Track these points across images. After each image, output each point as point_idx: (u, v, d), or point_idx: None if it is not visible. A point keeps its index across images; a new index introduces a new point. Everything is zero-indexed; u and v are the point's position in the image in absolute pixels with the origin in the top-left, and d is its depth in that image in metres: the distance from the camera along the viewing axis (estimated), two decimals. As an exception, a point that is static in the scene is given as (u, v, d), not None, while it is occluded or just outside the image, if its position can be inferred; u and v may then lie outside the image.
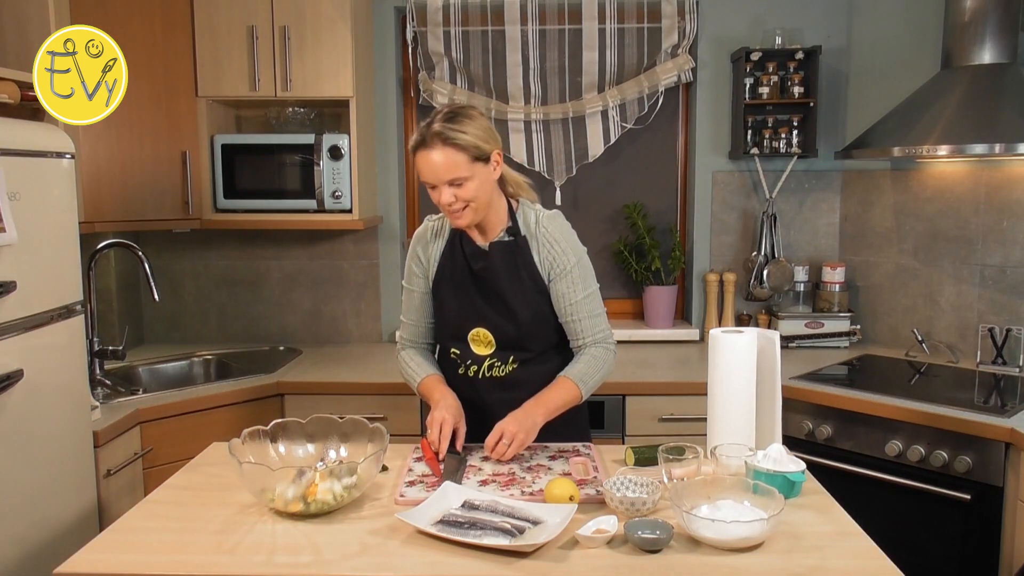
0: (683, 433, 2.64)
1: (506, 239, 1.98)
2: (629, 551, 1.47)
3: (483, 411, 2.00)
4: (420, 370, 2.07)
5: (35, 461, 1.94)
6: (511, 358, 2.01)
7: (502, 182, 2.00)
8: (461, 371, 2.05)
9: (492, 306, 1.98)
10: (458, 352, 2.04)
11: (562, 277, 1.97)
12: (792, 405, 2.60)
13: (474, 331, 2.01)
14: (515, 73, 3.27)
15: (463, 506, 1.61)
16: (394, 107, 3.34)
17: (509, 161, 3.32)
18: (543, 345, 2.04)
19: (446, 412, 1.91)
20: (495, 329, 1.99)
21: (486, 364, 2.02)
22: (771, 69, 3.13)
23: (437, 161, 1.82)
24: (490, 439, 1.85)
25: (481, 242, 1.99)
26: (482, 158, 1.86)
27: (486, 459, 1.93)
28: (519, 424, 1.85)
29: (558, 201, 3.35)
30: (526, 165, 3.33)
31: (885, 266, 3.20)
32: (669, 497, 1.55)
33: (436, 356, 2.16)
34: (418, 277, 2.08)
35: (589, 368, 1.98)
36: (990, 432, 2.23)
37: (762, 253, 3.24)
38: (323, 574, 1.42)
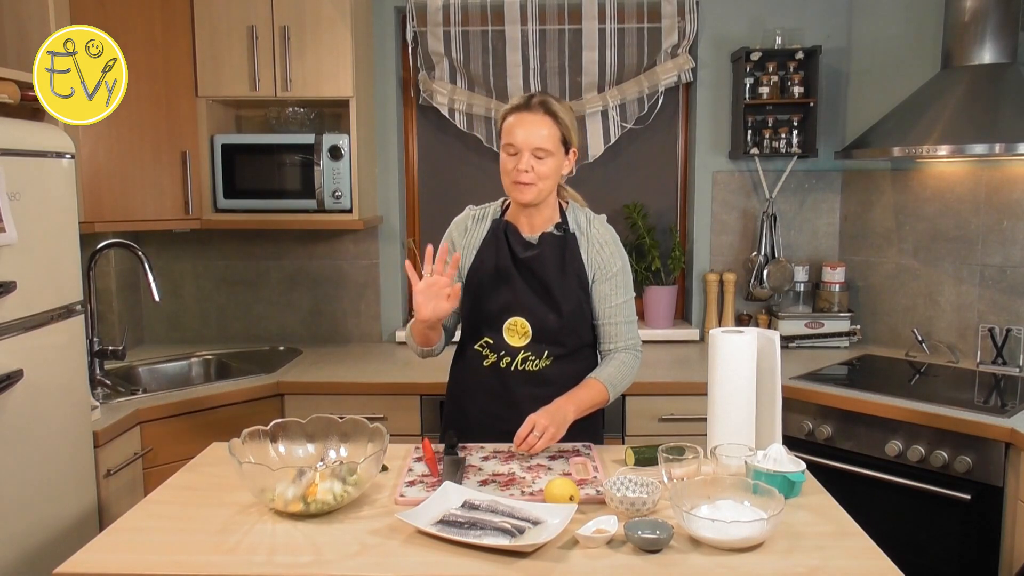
0: (683, 433, 2.64)
1: (556, 233, 2.01)
2: (629, 551, 1.47)
3: (512, 405, 1.98)
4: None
5: (35, 461, 1.94)
6: (546, 353, 2.01)
7: (559, 187, 2.05)
8: (487, 363, 2.03)
9: (536, 295, 2.00)
10: (491, 342, 2.03)
11: (607, 279, 2.02)
12: (792, 405, 2.60)
13: (511, 320, 2.01)
14: (515, 73, 3.26)
15: (463, 506, 1.61)
16: (394, 107, 3.34)
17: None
18: (578, 342, 2.05)
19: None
20: (534, 319, 2.00)
21: (520, 357, 2.01)
22: (771, 69, 3.13)
23: (533, 125, 1.89)
24: (521, 431, 1.83)
25: (528, 234, 2.02)
26: (566, 144, 1.95)
27: (486, 459, 1.93)
28: (551, 418, 1.85)
29: (558, 201, 3.35)
30: (526, 165, 3.32)
31: (885, 266, 3.20)
32: (669, 497, 1.55)
33: (458, 351, 2.14)
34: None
35: (618, 373, 2.02)
36: (990, 432, 2.23)
37: (762, 253, 3.24)
38: (323, 574, 1.42)
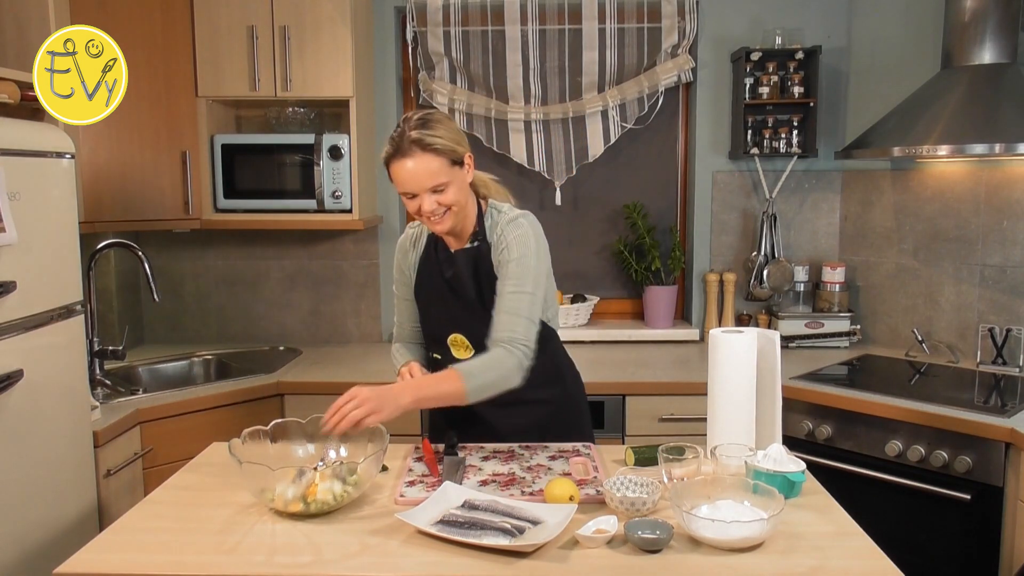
0: (683, 433, 2.64)
1: (471, 245, 1.96)
2: (629, 551, 1.47)
3: (469, 412, 1.98)
4: (402, 359, 2.11)
5: (35, 461, 1.94)
6: None
7: (472, 183, 1.97)
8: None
9: (466, 311, 1.98)
10: (439, 357, 2.06)
11: (500, 268, 1.90)
12: (792, 405, 2.60)
13: (452, 336, 2.01)
14: (515, 73, 3.26)
15: (463, 506, 1.61)
16: (394, 107, 3.34)
17: (507, 161, 3.33)
18: None
19: (411, 364, 1.98)
20: (470, 333, 1.98)
21: None
22: (771, 69, 3.13)
23: (418, 169, 1.80)
24: (339, 400, 1.71)
25: (454, 246, 1.99)
26: (458, 161, 1.85)
27: (486, 459, 1.93)
28: (379, 399, 1.71)
29: (558, 201, 3.35)
30: (526, 165, 3.33)
31: (885, 266, 3.20)
32: (669, 497, 1.55)
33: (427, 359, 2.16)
34: (403, 284, 2.11)
35: (481, 364, 1.83)
36: (990, 432, 2.23)
37: (762, 253, 3.24)
38: (323, 574, 1.42)
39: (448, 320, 2.01)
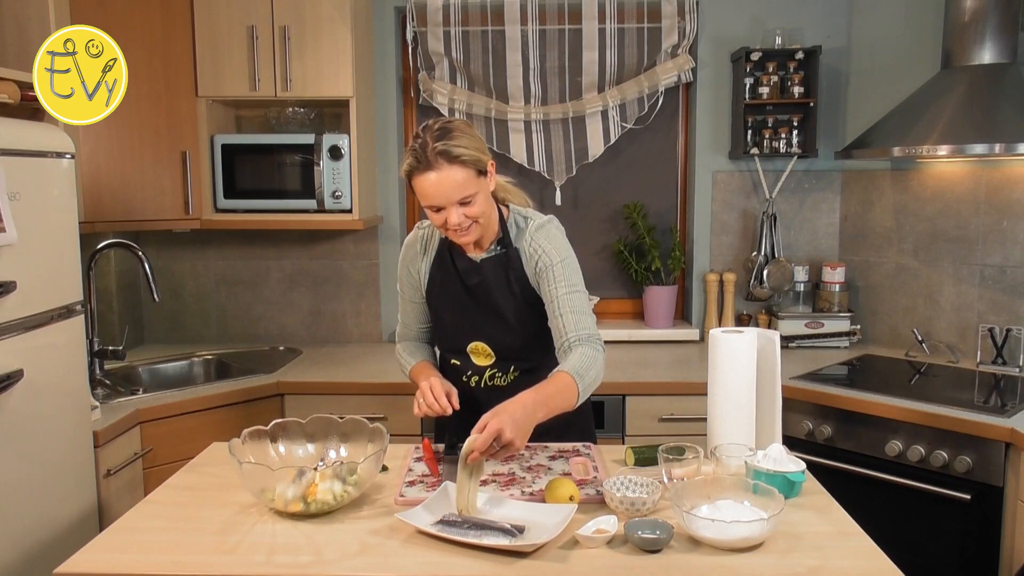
0: (683, 433, 2.64)
1: (497, 252, 1.93)
2: (629, 551, 1.47)
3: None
4: (411, 358, 2.08)
5: (35, 461, 1.94)
6: (512, 368, 2.00)
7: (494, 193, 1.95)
8: (464, 379, 2.03)
9: (490, 321, 1.95)
10: (458, 363, 2.03)
11: (544, 275, 1.88)
12: (792, 405, 2.60)
13: (473, 344, 1.99)
14: (515, 73, 3.27)
15: (463, 506, 1.61)
16: (394, 107, 3.34)
17: (507, 161, 3.33)
18: (543, 353, 2.00)
19: (432, 379, 1.92)
20: (494, 342, 1.97)
21: (487, 374, 2.00)
22: (771, 69, 3.13)
23: (444, 181, 1.73)
24: (483, 435, 1.58)
25: (476, 253, 1.94)
26: (483, 171, 1.80)
27: (486, 459, 1.92)
28: (516, 429, 1.59)
29: (558, 201, 3.35)
30: (526, 165, 3.33)
31: (885, 266, 3.20)
32: (669, 497, 1.55)
33: (438, 364, 2.13)
34: (409, 287, 2.06)
35: (582, 363, 1.77)
36: (990, 432, 2.23)
37: (762, 253, 3.24)
38: (323, 574, 1.42)
39: (468, 328, 1.98)
